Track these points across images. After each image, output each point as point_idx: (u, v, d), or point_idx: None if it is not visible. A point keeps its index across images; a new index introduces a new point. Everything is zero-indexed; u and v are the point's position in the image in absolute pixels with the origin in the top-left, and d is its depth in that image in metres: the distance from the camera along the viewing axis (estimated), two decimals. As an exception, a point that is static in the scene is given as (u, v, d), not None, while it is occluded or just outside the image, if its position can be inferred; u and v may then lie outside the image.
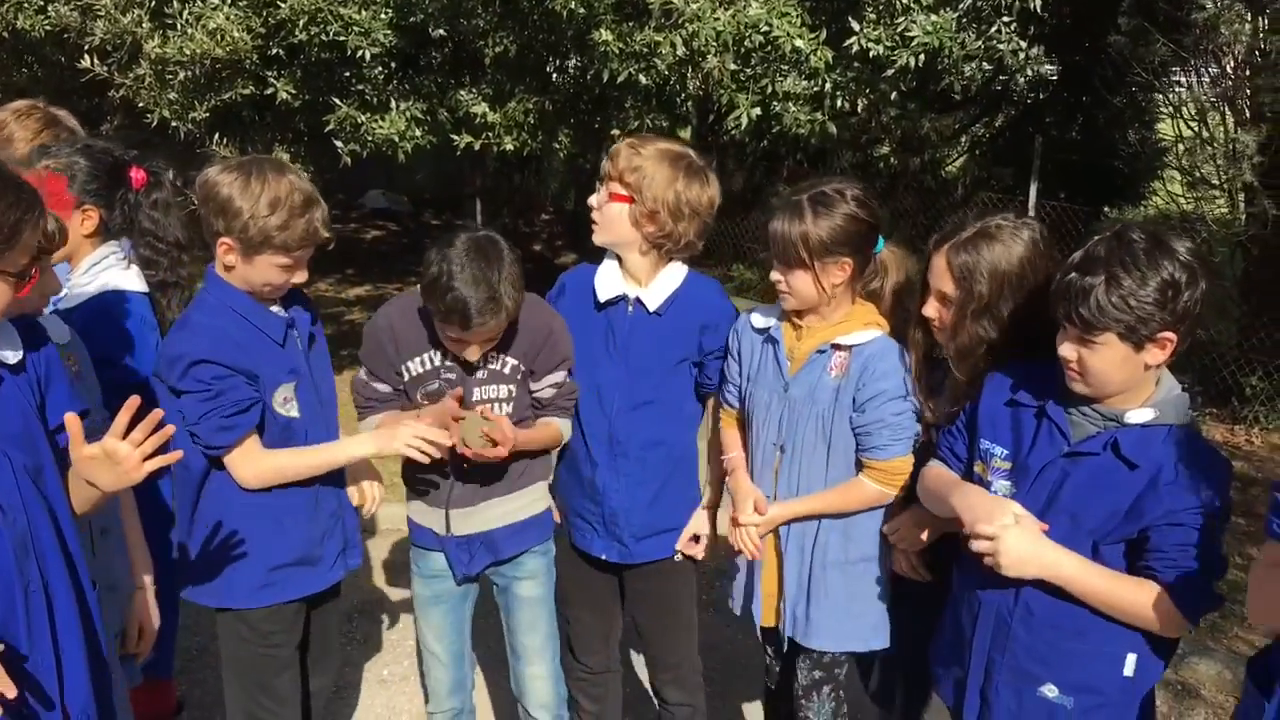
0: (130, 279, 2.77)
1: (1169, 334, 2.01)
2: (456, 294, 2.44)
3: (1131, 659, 2.16)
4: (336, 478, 2.69)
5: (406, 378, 2.70)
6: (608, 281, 2.83)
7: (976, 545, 2.13)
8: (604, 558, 2.93)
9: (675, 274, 2.83)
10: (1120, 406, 2.10)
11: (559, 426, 2.80)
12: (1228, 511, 2.08)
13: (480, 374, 2.71)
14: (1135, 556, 2.10)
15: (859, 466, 2.63)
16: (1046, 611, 2.16)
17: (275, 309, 2.58)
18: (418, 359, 2.69)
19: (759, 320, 2.76)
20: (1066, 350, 2.07)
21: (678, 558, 2.94)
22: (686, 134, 11.07)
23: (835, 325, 2.63)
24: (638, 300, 2.81)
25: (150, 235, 2.85)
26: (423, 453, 2.53)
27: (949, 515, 2.29)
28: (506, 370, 2.74)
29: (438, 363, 2.69)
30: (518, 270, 2.54)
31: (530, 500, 2.85)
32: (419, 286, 2.59)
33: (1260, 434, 7.12)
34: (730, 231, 11.38)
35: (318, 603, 2.76)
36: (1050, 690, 2.20)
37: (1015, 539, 2.09)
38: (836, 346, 2.61)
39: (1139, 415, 2.09)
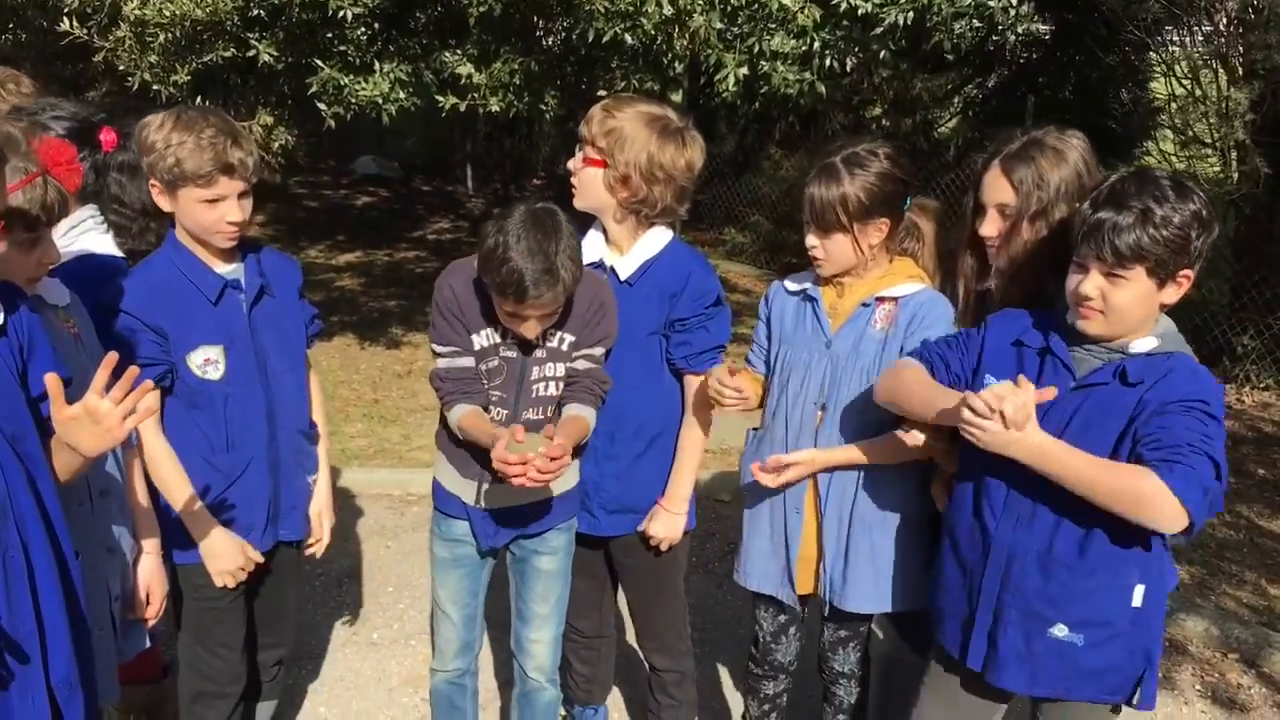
0: (108, 243, 2.75)
1: (1188, 272, 2.06)
2: (512, 265, 2.36)
3: (1140, 590, 2.16)
4: (268, 444, 2.63)
5: (474, 349, 2.61)
6: (589, 248, 2.80)
7: (966, 416, 2.05)
8: (577, 529, 2.90)
9: (654, 242, 2.77)
10: (1124, 341, 2.13)
11: (588, 420, 2.63)
12: (1220, 422, 2.06)
13: (539, 353, 2.63)
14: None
15: (900, 420, 2.57)
16: (1066, 551, 2.15)
17: (222, 267, 2.54)
18: (482, 333, 2.60)
19: (793, 284, 2.73)
20: (1088, 287, 2.07)
21: (646, 534, 2.87)
22: (678, 97, 11.01)
23: (879, 279, 2.61)
24: (612, 269, 2.78)
25: (116, 201, 2.82)
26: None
27: (917, 412, 2.31)
28: (565, 348, 2.64)
29: (497, 339, 2.60)
30: (576, 244, 2.46)
31: (564, 479, 2.73)
32: (476, 258, 2.52)
33: (1250, 392, 7.14)
34: (722, 195, 11.34)
35: (259, 568, 2.72)
36: (1060, 630, 2.20)
37: (1014, 396, 2.00)
38: (882, 299, 2.59)
39: (1143, 344, 2.12)
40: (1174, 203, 2.00)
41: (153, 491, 2.54)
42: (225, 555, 2.57)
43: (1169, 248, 2.01)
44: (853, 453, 2.59)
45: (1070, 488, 2.05)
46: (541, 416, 2.65)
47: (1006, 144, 2.43)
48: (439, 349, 2.63)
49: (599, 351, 2.67)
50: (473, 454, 2.66)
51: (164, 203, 2.46)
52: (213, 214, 2.44)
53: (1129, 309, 2.07)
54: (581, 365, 2.66)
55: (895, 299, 2.58)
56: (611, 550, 3.00)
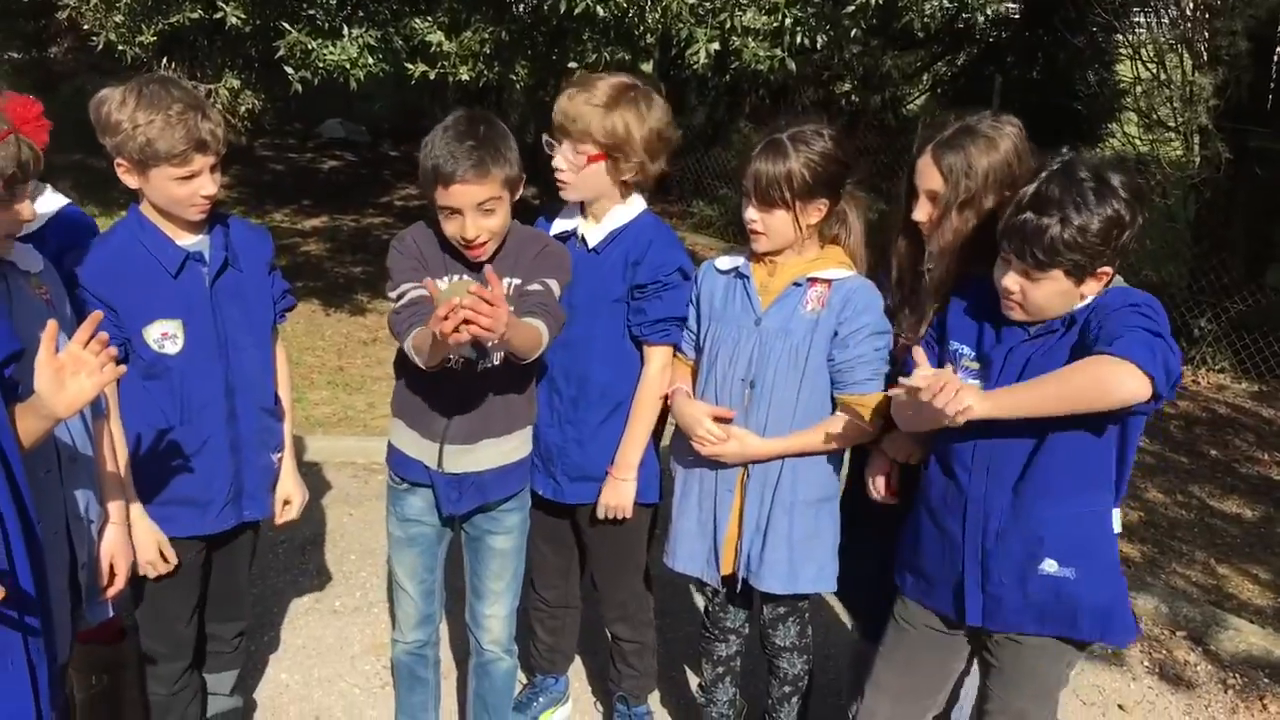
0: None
1: (1108, 268, 2.15)
2: (439, 149, 2.44)
3: (1116, 514, 2.29)
4: (228, 420, 2.59)
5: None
6: (563, 221, 2.83)
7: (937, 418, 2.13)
8: (541, 494, 2.93)
9: (626, 212, 2.81)
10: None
11: (539, 328, 2.52)
12: (1161, 317, 2.11)
13: None
14: None
15: (833, 403, 2.65)
16: (1035, 487, 2.23)
17: (185, 240, 2.51)
18: (441, 281, 2.57)
19: (724, 262, 2.76)
20: (1009, 282, 2.18)
21: (601, 512, 2.91)
22: (648, 68, 10.95)
23: (810, 261, 2.65)
24: (583, 238, 2.81)
25: None
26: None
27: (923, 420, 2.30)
28: (510, 292, 2.62)
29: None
30: (510, 142, 2.52)
31: (520, 443, 2.79)
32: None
33: (1206, 374, 7.26)
34: (691, 167, 11.32)
35: (218, 544, 2.73)
36: (1050, 565, 2.26)
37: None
38: (814, 280, 2.62)
39: (1092, 298, 2.20)
40: (1093, 208, 2.08)
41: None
42: (142, 547, 2.53)
43: (1084, 253, 2.09)
44: (793, 442, 2.64)
45: (1050, 413, 2.11)
46: (490, 366, 2.65)
47: (940, 130, 2.48)
48: (395, 290, 2.61)
49: (551, 281, 2.64)
50: (437, 410, 2.66)
51: (131, 180, 2.42)
52: (186, 189, 2.42)
53: (1046, 303, 2.18)
54: (532, 287, 2.63)
55: (828, 281, 2.62)
56: (576, 519, 3.04)
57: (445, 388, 2.64)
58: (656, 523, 3.10)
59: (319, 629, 3.86)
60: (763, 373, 2.64)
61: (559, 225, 2.85)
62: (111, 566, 2.41)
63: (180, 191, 2.42)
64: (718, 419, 2.67)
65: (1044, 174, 2.15)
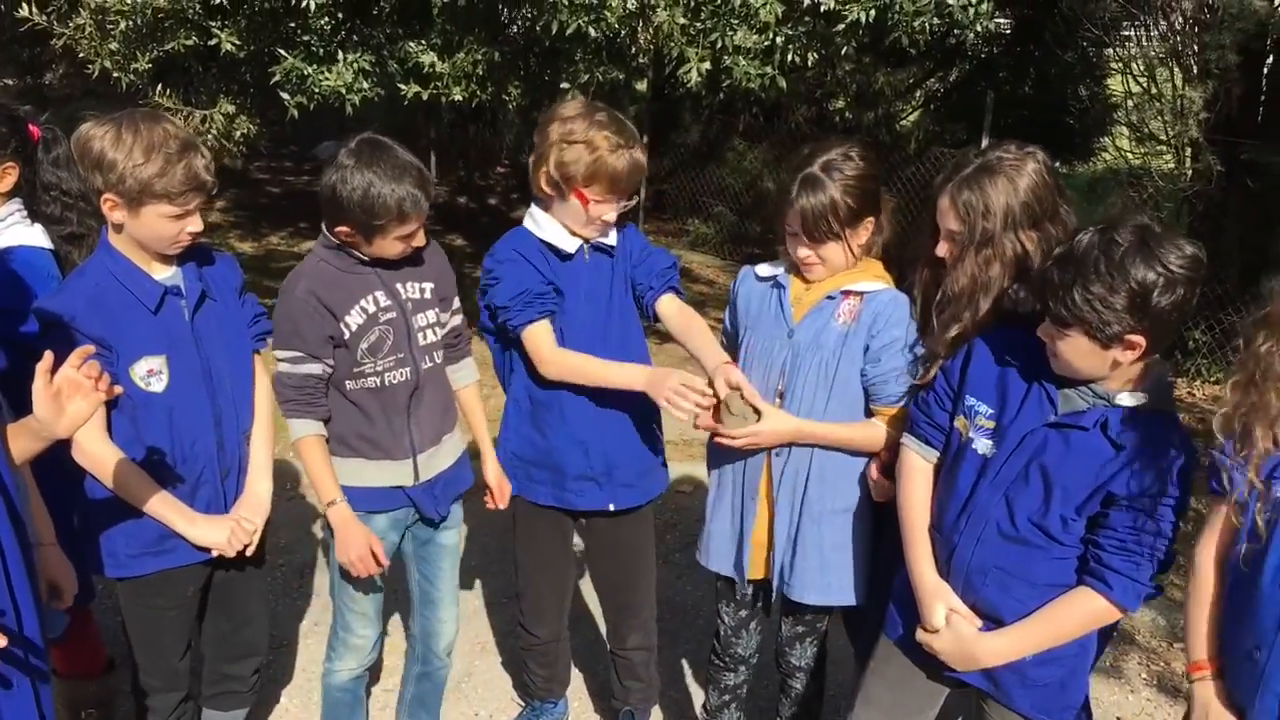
0: (35, 235, 2.73)
1: (1138, 337, 2.01)
2: (391, 190, 2.50)
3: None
4: (218, 452, 2.58)
5: (349, 334, 2.65)
6: (546, 231, 2.80)
7: (918, 634, 2.37)
8: (611, 508, 2.91)
9: None
10: (1113, 388, 2.13)
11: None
12: (1187, 505, 2.14)
13: (409, 304, 2.73)
14: (1089, 530, 2.17)
15: (868, 415, 2.65)
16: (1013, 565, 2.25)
17: (160, 273, 2.49)
18: (356, 309, 2.65)
19: (765, 269, 2.77)
20: (1041, 332, 2.13)
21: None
22: (643, 86, 11.02)
23: (846, 274, 2.65)
24: (601, 247, 2.83)
25: (56, 189, 2.80)
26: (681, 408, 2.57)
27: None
28: (429, 295, 2.78)
29: (374, 307, 2.66)
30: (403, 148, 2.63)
31: (461, 433, 2.94)
32: (335, 230, 2.59)
33: (1201, 386, 7.28)
34: (686, 186, 11.37)
35: (221, 578, 2.71)
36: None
37: (945, 645, 2.32)
38: (847, 293, 2.62)
39: (1130, 399, 2.12)
40: (1114, 274, 1.97)
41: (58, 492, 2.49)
42: (216, 527, 2.53)
43: (1101, 318, 1.99)
44: (826, 430, 2.61)
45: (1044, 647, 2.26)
46: (431, 364, 2.78)
47: (962, 167, 2.42)
48: (282, 353, 2.65)
49: (457, 303, 2.87)
50: (397, 427, 2.72)
51: (118, 216, 2.38)
52: (176, 226, 2.41)
53: (1073, 361, 2.10)
54: (456, 322, 2.87)
55: (860, 294, 2.61)
56: (596, 531, 3.02)
57: (399, 401, 2.72)
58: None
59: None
60: (793, 384, 2.63)
61: (570, 242, 2.79)
62: (58, 583, 2.42)
63: (170, 229, 2.40)
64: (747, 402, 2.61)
65: (1086, 231, 2.06)
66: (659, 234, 11.11)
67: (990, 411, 2.26)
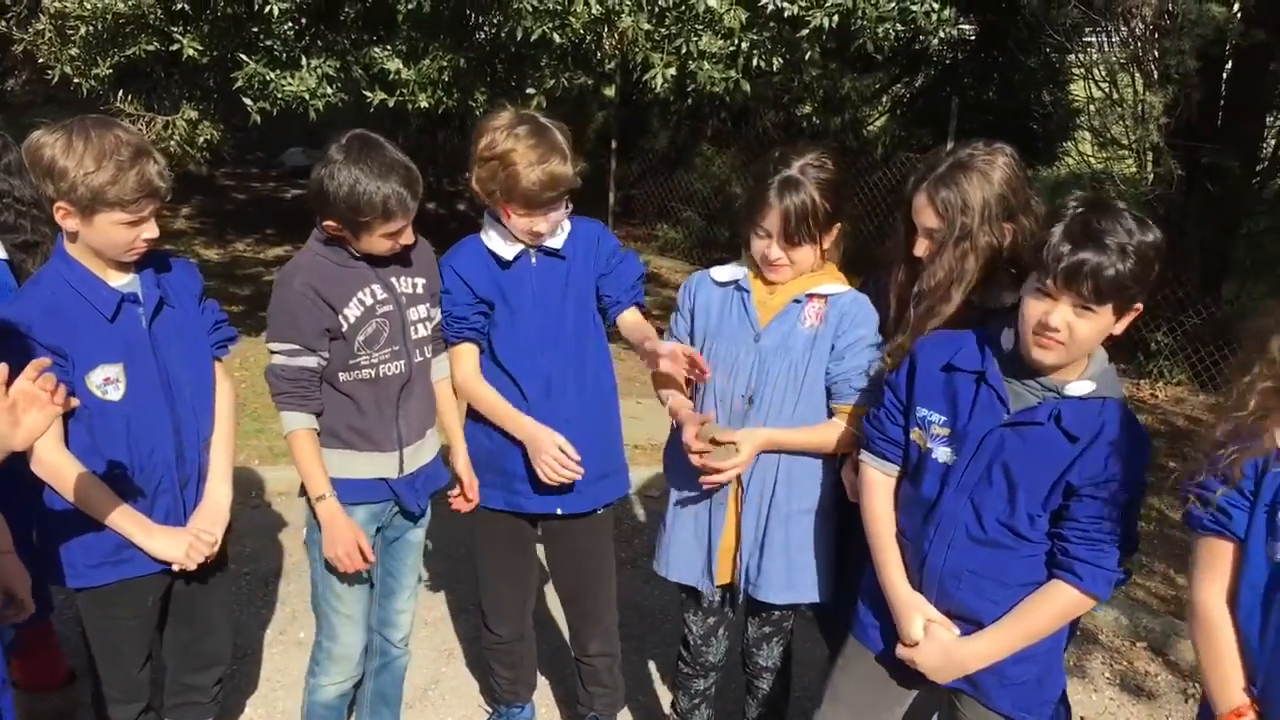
0: None
1: (1140, 305, 2.09)
2: (379, 188, 2.51)
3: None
4: (177, 461, 2.55)
5: (346, 325, 2.65)
6: (497, 245, 2.82)
7: (898, 650, 2.36)
8: (558, 511, 2.92)
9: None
10: (1060, 378, 2.16)
11: None
12: (1144, 487, 2.17)
13: (403, 297, 2.75)
14: (1053, 524, 2.19)
15: (830, 415, 2.66)
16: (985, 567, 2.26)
17: (117, 280, 2.46)
18: (354, 301, 2.66)
19: (723, 274, 2.76)
20: (1057, 320, 2.06)
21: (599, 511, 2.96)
22: (611, 92, 11.04)
23: (809, 278, 2.66)
24: (545, 251, 2.83)
25: (9, 197, 2.78)
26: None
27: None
28: (421, 291, 2.80)
29: (371, 300, 2.67)
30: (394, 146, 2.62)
31: (438, 428, 2.96)
32: (324, 224, 2.60)
33: (1164, 387, 7.37)
34: (655, 191, 11.38)
35: (182, 587, 2.68)
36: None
37: (925, 656, 2.31)
38: (813, 296, 2.64)
39: (1080, 388, 2.14)
40: (1140, 236, 2.01)
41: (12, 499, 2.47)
42: (173, 541, 2.51)
43: (1138, 283, 2.02)
44: (791, 436, 2.62)
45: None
46: (422, 358, 2.81)
47: (934, 166, 2.46)
48: (277, 346, 2.65)
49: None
50: (388, 419, 2.74)
51: (71, 224, 2.35)
52: (131, 234, 2.38)
53: (1089, 340, 2.09)
54: (439, 315, 2.88)
55: (825, 297, 2.64)
56: (553, 536, 3.03)
57: (390, 393, 2.74)
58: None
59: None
60: (761, 389, 2.64)
61: (509, 248, 2.81)
62: (12, 591, 2.42)
63: (124, 236, 2.38)
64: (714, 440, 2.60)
65: (1079, 209, 2.07)
66: (628, 239, 11.12)
67: (943, 419, 2.28)
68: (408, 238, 2.67)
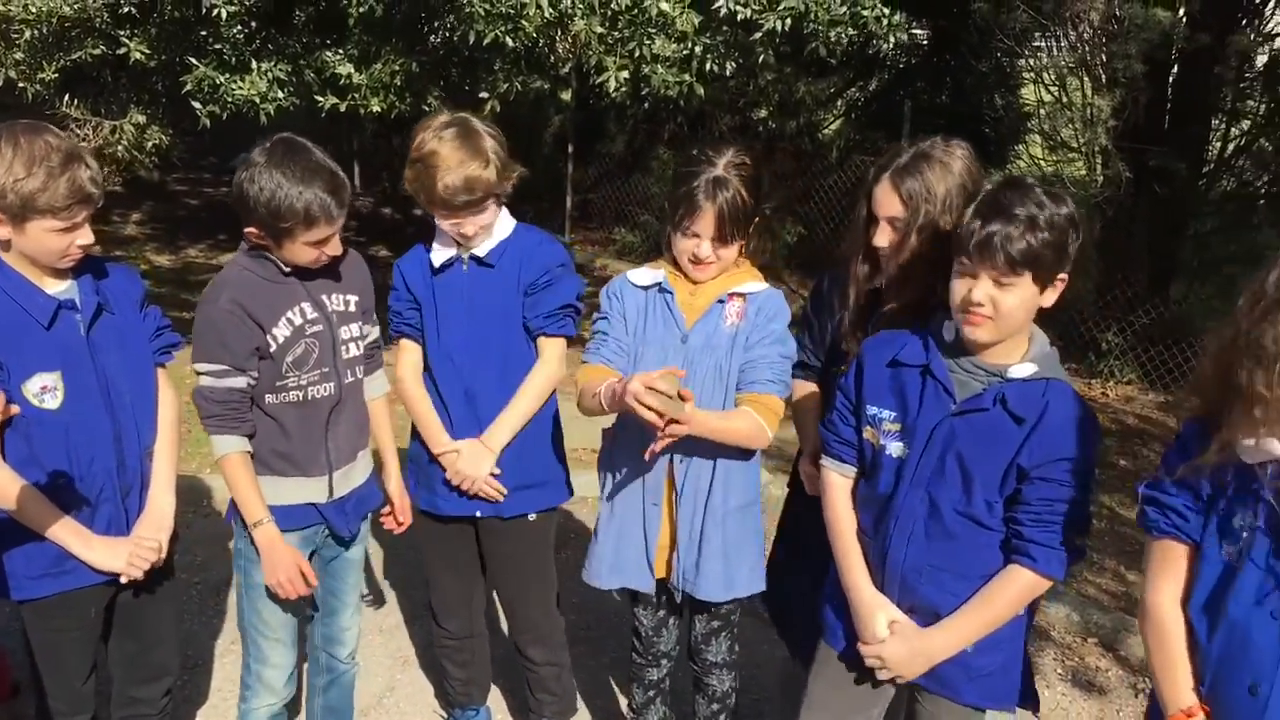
0: None
1: (1064, 275, 2.14)
2: (302, 193, 2.45)
3: None
4: (118, 470, 2.51)
5: (275, 346, 2.59)
6: (442, 248, 2.87)
7: (863, 650, 2.36)
8: (478, 515, 2.94)
9: (506, 224, 2.89)
10: (1002, 362, 2.20)
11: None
12: (1093, 465, 2.20)
13: (334, 315, 2.70)
14: (1007, 509, 2.21)
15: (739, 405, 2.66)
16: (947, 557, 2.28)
17: (54, 287, 2.42)
18: (283, 320, 2.60)
19: (643, 278, 2.75)
20: (979, 294, 2.12)
21: (455, 479, 2.93)
22: (567, 96, 11.01)
23: (730, 277, 2.69)
24: (472, 258, 2.84)
25: None
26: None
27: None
28: (353, 308, 2.76)
29: (300, 320, 2.62)
30: (323, 151, 2.57)
31: (371, 449, 2.91)
32: (246, 232, 2.55)
33: (1115, 386, 7.46)
34: (612, 195, 11.38)
35: (127, 599, 2.64)
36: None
37: (892, 652, 2.31)
38: (733, 295, 2.66)
39: (1021, 370, 2.19)
40: (1053, 208, 2.09)
41: None
42: (114, 552, 2.48)
43: (1053, 251, 2.09)
44: (705, 419, 2.52)
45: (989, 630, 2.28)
46: (353, 379, 2.77)
47: (895, 157, 2.52)
48: (204, 366, 2.58)
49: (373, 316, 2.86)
50: (316, 442, 2.70)
51: (3, 232, 2.30)
52: (65, 240, 2.34)
53: (1015, 313, 2.13)
54: (375, 333, 2.86)
55: (744, 295, 2.66)
56: (483, 539, 3.04)
57: (319, 415, 2.70)
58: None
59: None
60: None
61: (441, 254, 2.85)
62: None
63: (58, 244, 2.34)
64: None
65: (991, 189, 2.19)
66: (585, 243, 11.11)
67: (893, 415, 2.30)
68: (334, 248, 2.60)
